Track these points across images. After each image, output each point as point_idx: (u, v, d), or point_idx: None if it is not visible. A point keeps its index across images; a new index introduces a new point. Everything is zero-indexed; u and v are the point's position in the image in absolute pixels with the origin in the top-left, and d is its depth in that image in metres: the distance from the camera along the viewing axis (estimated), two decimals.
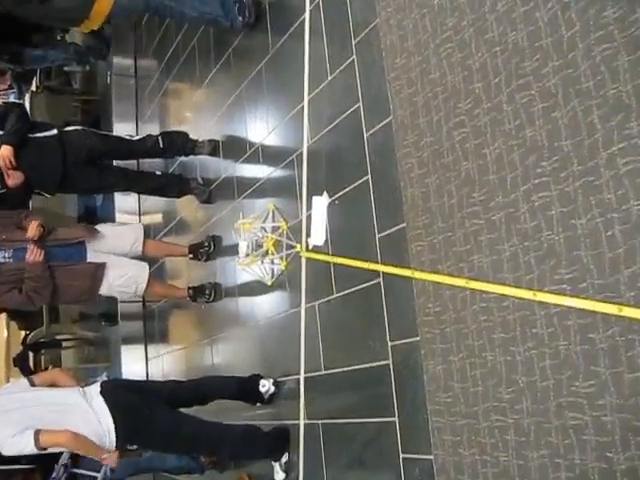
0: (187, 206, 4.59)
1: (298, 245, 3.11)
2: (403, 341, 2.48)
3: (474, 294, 2.07)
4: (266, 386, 3.33)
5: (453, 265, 2.15)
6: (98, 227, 3.86)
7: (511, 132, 1.91)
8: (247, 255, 3.53)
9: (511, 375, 1.94)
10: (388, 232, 2.53)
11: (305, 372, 3.03)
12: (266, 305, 3.53)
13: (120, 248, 3.82)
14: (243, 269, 3.57)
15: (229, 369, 3.87)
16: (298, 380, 3.08)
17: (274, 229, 3.33)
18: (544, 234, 1.83)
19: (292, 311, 3.21)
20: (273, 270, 3.38)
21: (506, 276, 1.96)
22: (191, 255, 4.25)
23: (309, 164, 3.04)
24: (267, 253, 3.39)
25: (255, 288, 3.59)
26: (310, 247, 2.99)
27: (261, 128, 3.51)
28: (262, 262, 3.43)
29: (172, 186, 4.39)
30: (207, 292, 4.13)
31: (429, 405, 2.26)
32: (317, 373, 2.99)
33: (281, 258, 3.28)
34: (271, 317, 3.47)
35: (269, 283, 3.44)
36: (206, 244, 4.20)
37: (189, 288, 4.18)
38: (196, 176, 4.36)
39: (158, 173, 4.39)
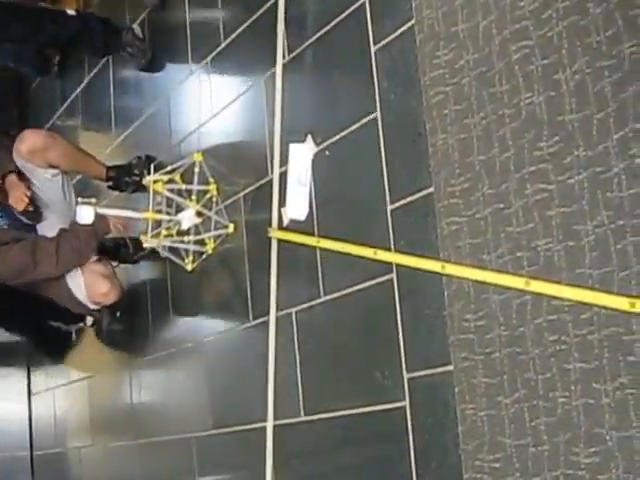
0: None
1: (230, 225, 2.97)
2: (427, 372, 2.14)
3: (538, 300, 1.83)
4: None
5: (506, 255, 1.92)
6: None
7: (601, 47, 1.72)
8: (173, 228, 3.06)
9: (594, 428, 1.71)
10: (406, 202, 2.24)
11: (275, 419, 2.71)
12: (215, 314, 3.22)
13: None
14: (151, 247, 3.10)
15: (156, 415, 3.59)
16: (263, 430, 2.71)
17: (199, 195, 3.02)
18: None
19: (256, 322, 2.88)
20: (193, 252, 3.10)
21: (588, 273, 1.72)
22: (110, 183, 3.63)
23: (286, 93, 2.71)
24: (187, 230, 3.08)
25: (189, 281, 3.26)
26: (286, 222, 2.70)
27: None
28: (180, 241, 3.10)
29: (94, 35, 3.66)
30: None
31: (466, 473, 2.01)
32: (293, 420, 2.64)
33: (205, 240, 3.03)
34: (223, 332, 3.13)
35: (189, 268, 3.10)
36: (136, 172, 3.56)
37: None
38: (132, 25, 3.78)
39: (71, 13, 3.73)
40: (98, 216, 3.11)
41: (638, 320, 1.61)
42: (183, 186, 3.04)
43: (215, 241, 3.05)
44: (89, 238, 3.21)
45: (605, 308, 1.66)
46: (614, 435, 1.66)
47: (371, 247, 2.32)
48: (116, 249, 3.70)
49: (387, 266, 2.30)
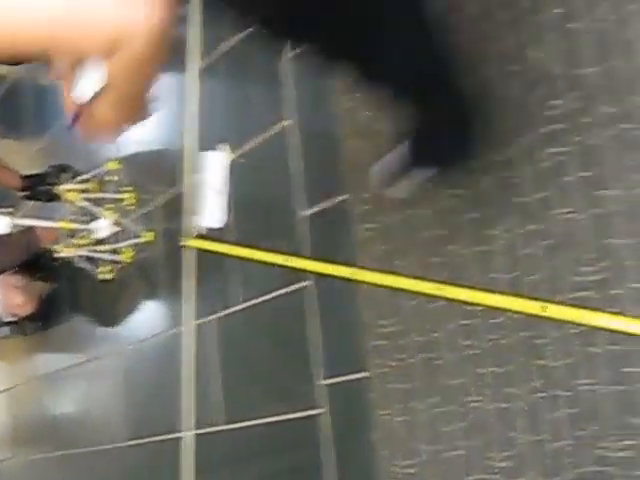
0: None
1: (147, 234, 2.89)
2: (345, 378, 2.11)
3: (451, 306, 1.82)
4: None
5: (418, 260, 1.90)
6: None
7: (509, 52, 1.71)
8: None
9: (508, 431, 1.70)
10: (321, 208, 2.20)
11: (197, 427, 2.63)
12: (135, 322, 3.10)
13: None
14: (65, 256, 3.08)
15: (77, 426, 3.45)
16: (184, 439, 2.65)
17: (117, 203, 2.97)
18: (565, 213, 1.61)
19: (174, 331, 2.81)
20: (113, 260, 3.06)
21: (500, 278, 1.72)
22: (26, 192, 3.41)
23: (201, 100, 2.64)
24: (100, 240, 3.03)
25: (109, 290, 3.18)
26: (202, 230, 2.62)
27: None
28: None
29: None
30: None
31: (383, 479, 2.00)
32: (214, 429, 2.57)
33: (122, 249, 2.96)
34: (143, 340, 3.03)
35: (104, 277, 3.08)
36: (49, 181, 3.35)
37: None
38: None
39: None
40: (31, 231, 3.05)
41: (549, 324, 1.62)
42: (99, 194, 2.99)
43: (132, 249, 3.00)
44: (15, 252, 3.13)
45: (517, 312, 1.66)
46: (526, 439, 1.66)
47: (284, 254, 2.30)
48: (35, 259, 3.60)
49: (304, 273, 2.27)
